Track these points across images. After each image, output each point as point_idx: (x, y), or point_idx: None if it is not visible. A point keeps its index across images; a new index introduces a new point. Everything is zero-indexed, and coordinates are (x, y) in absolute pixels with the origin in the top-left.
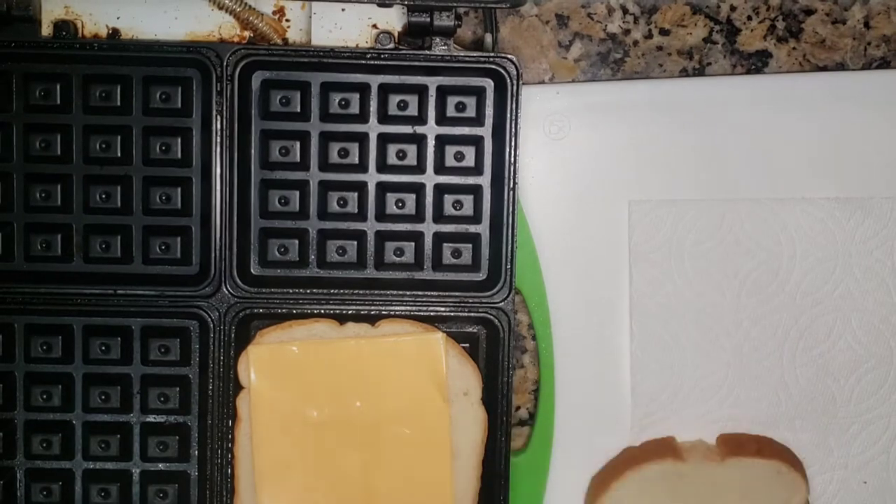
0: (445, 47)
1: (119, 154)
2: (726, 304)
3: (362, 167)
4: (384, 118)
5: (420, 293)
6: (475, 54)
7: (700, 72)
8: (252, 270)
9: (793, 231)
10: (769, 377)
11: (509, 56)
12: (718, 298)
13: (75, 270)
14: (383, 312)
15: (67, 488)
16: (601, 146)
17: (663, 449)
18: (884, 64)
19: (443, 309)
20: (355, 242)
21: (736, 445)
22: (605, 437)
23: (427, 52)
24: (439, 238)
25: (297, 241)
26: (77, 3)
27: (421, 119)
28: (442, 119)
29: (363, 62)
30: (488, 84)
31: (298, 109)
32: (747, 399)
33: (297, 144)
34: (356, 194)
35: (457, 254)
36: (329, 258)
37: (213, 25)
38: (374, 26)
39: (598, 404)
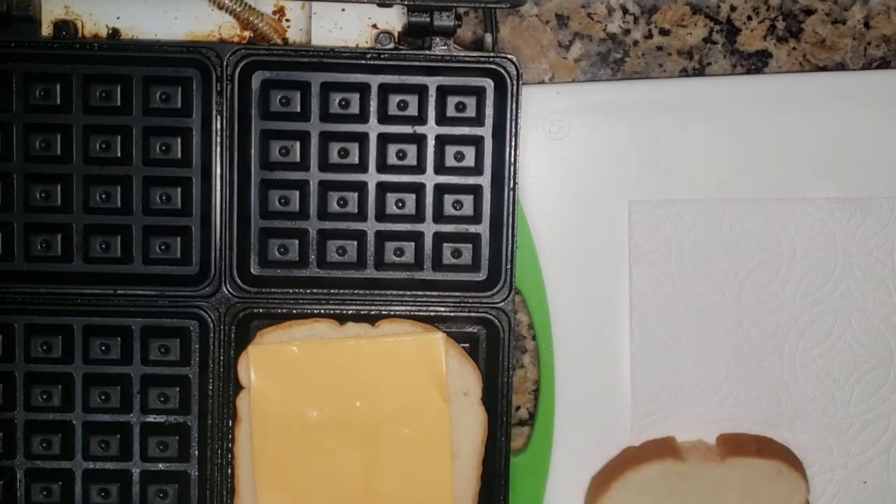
0: (445, 47)
1: (119, 154)
2: (726, 304)
3: (362, 167)
4: (384, 118)
5: (420, 293)
6: (475, 54)
7: (700, 72)
8: (252, 270)
9: (793, 231)
10: (769, 377)
11: (509, 56)
12: (718, 298)
13: (75, 270)
14: (383, 312)
15: (67, 488)
16: (601, 146)
17: (663, 449)
18: (884, 64)
19: (443, 309)
20: (355, 242)
21: (736, 445)
22: (605, 437)
23: (427, 52)
24: (439, 238)
25: (297, 241)
26: (77, 3)
27: (421, 119)
28: (442, 119)
29: (363, 62)
30: (488, 84)
31: (298, 109)
32: (747, 399)
33: (297, 144)
34: (356, 194)
35: (457, 254)
36: (329, 258)
37: (213, 25)
38: (374, 26)
39: (598, 404)
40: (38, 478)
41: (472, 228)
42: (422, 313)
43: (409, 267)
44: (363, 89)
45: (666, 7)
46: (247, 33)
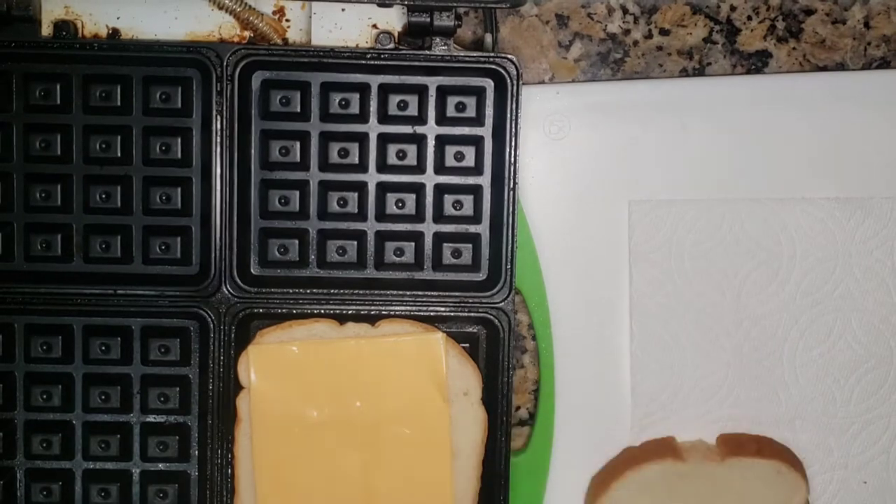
0: (445, 47)
1: (119, 154)
2: (726, 304)
3: (362, 167)
4: (384, 118)
5: (420, 293)
6: (475, 54)
7: (700, 72)
8: (252, 270)
9: (793, 231)
10: (769, 377)
11: (509, 56)
12: (718, 298)
13: (75, 270)
14: (383, 312)
15: (67, 488)
16: (601, 146)
17: (663, 449)
18: (884, 64)
19: (443, 309)
20: (355, 242)
21: (736, 445)
22: (605, 437)
23: (427, 52)
24: (439, 238)
25: (297, 241)
26: (77, 3)
27: (421, 119)
28: (442, 119)
29: (363, 62)
30: (488, 84)
31: (298, 109)
32: (747, 399)
33: (297, 144)
34: (356, 194)
35: (457, 254)
36: (329, 258)
37: (213, 25)
38: (374, 26)
39: (598, 404)
40: (38, 478)
41: (472, 228)
42: (422, 313)
43: (409, 267)
44: (363, 89)
45: (666, 7)
46: (247, 33)
